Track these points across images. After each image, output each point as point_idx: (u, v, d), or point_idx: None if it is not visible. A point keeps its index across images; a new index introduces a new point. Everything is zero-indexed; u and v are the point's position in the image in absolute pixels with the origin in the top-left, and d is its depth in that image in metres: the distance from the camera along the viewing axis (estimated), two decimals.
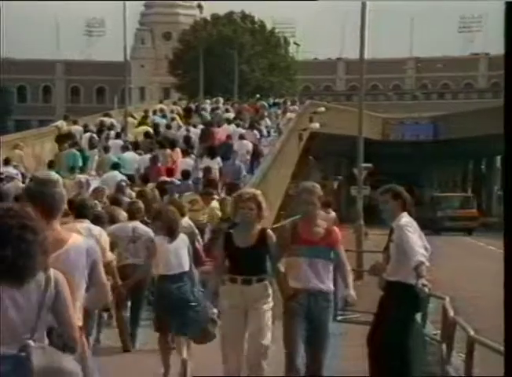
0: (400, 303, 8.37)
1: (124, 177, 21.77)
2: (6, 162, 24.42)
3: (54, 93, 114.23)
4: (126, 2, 39.30)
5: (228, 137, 29.65)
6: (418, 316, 8.83)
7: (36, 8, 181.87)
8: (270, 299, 8.66)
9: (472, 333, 6.33)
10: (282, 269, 8.56)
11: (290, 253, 8.52)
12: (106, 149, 27.10)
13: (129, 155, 25.96)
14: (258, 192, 9.11)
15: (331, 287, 8.60)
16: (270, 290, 8.68)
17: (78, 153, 26.25)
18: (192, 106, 44.17)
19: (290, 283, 8.48)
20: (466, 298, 14.79)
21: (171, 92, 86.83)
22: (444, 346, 7.24)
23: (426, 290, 8.76)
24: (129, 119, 37.38)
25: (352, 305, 9.67)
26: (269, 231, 8.91)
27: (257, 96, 53.88)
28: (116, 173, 22.51)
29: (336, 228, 8.88)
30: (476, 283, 23.60)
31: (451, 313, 7.29)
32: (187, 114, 40.24)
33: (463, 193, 74.35)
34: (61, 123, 34.86)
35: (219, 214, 17.41)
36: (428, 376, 8.09)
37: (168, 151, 25.82)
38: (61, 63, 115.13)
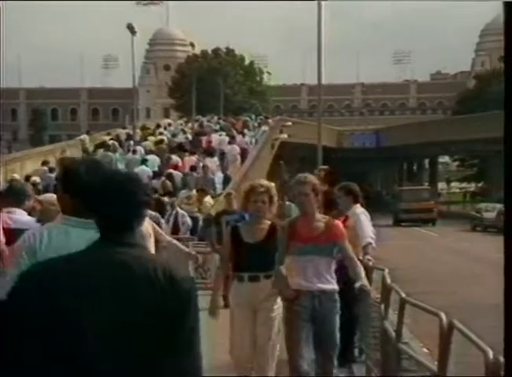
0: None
1: (150, 172, 22.74)
2: (44, 163, 25.13)
3: (79, 114, 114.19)
4: (134, 41, 39.43)
5: (209, 143, 30.55)
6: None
7: (61, 45, 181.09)
8: (279, 298, 6.67)
9: (403, 296, 6.49)
10: (283, 270, 6.44)
11: (288, 252, 6.46)
12: (134, 152, 27.84)
13: (152, 156, 26.38)
14: (272, 184, 6.93)
15: (335, 286, 6.51)
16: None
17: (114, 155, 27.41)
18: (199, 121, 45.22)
19: (291, 285, 6.42)
20: (401, 269, 14.99)
21: (170, 111, 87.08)
22: (382, 306, 7.39)
23: (371, 263, 8.95)
24: (138, 131, 38.05)
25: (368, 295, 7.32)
26: (279, 226, 6.76)
27: (245, 114, 54.82)
28: (144, 167, 23.30)
29: (338, 222, 6.76)
30: (409, 258, 23.88)
31: (388, 281, 7.43)
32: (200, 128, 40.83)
33: (423, 186, 68.27)
34: (84, 137, 35.11)
35: (209, 206, 17.73)
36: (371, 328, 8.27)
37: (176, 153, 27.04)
38: (84, 90, 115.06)
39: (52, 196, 6.82)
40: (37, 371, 2.43)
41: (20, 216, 6.76)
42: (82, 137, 35.67)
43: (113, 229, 2.56)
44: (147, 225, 7.21)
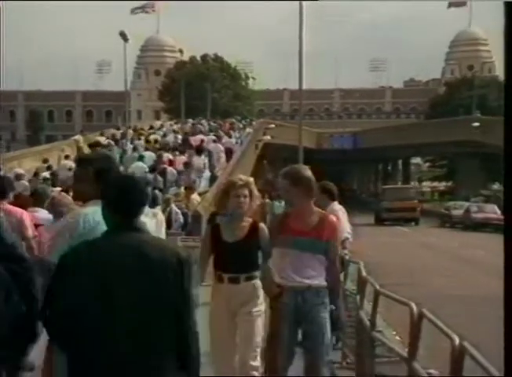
0: None
1: (146, 167, 23.01)
2: (45, 161, 25.21)
3: (74, 115, 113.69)
4: (127, 48, 39.46)
5: (202, 142, 30.60)
6: (342, 276, 9.03)
7: (58, 50, 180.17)
8: (261, 300, 5.85)
9: (377, 287, 6.53)
10: (270, 265, 5.76)
11: (275, 245, 5.70)
12: (134, 149, 28.63)
13: (148, 153, 26.86)
14: (251, 179, 6.08)
15: (323, 282, 5.70)
16: (261, 291, 5.87)
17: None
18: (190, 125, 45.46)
19: (276, 280, 5.71)
20: (375, 263, 15.07)
21: (161, 113, 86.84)
22: (358, 297, 7.43)
23: (347, 257, 9.00)
24: (129, 131, 38.27)
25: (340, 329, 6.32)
26: (262, 224, 5.98)
27: (233, 117, 55.02)
28: (141, 163, 23.58)
29: (332, 217, 5.99)
30: (383, 252, 23.95)
31: (364, 273, 7.47)
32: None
33: (406, 185, 64.47)
34: (78, 137, 35.07)
35: (196, 203, 17.78)
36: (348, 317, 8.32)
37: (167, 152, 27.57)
38: (79, 93, 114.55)
39: (60, 191, 8.87)
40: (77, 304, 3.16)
41: (43, 214, 7.85)
42: (77, 137, 35.63)
43: (127, 217, 3.30)
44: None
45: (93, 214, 3.84)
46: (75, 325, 3.12)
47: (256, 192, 5.94)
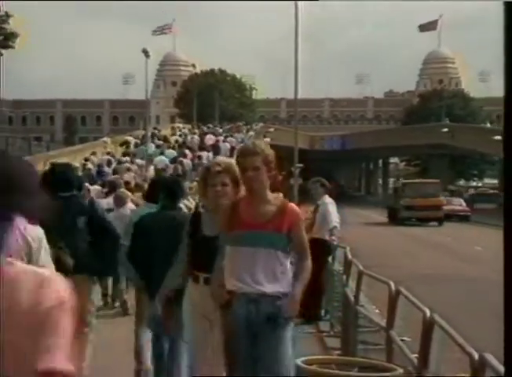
0: (319, 251, 8.36)
1: (167, 160, 24.18)
2: (86, 159, 25.27)
3: (103, 120, 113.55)
4: (148, 63, 39.53)
5: (217, 141, 32.98)
6: (330, 258, 9.03)
7: (90, 65, 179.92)
8: None
9: (361, 268, 6.54)
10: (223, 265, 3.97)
11: (226, 242, 3.96)
12: (157, 147, 29.67)
13: (169, 150, 28.13)
14: (232, 161, 4.30)
15: (285, 288, 3.85)
16: None
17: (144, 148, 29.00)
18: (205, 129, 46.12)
19: (226, 285, 3.90)
20: (361, 247, 15.06)
21: (176, 118, 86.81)
22: (344, 277, 7.43)
23: (335, 243, 9.01)
24: (154, 132, 39.08)
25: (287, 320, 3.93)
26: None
27: (239, 122, 55.41)
28: (164, 157, 24.78)
29: (292, 205, 4.07)
30: (367, 239, 23.93)
31: (349, 256, 7.48)
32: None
33: (430, 179, 43.38)
34: (106, 139, 35.34)
35: None
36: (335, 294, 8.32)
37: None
38: (107, 101, 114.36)
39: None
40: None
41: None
42: (105, 138, 35.99)
43: (170, 201, 5.29)
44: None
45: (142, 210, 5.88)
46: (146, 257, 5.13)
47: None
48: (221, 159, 4.64)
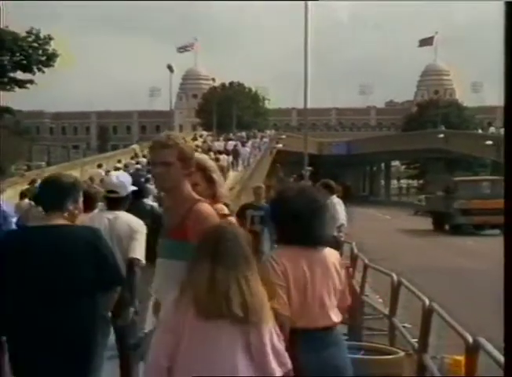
0: (328, 246, 8.26)
1: None
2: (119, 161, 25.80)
3: (132, 129, 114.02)
4: (172, 77, 39.85)
5: (235, 146, 34.23)
6: (338, 253, 8.99)
7: (120, 79, 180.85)
8: None
9: (366, 261, 6.51)
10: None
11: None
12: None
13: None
14: (205, 156, 3.70)
15: None
16: None
17: None
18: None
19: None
20: (365, 243, 14.98)
21: (197, 127, 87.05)
22: (351, 269, 7.42)
23: (342, 238, 8.98)
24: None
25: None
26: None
27: (254, 130, 55.71)
28: None
29: (200, 208, 2.72)
30: (371, 234, 23.83)
31: (355, 251, 7.46)
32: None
33: (490, 176, 32.91)
34: (135, 146, 35.53)
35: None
36: None
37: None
38: (136, 112, 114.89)
39: None
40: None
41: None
42: (134, 146, 36.21)
43: None
44: None
45: None
46: None
47: (217, 175, 3.27)
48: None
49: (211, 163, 3.31)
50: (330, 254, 3.01)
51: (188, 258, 2.53)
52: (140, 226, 4.31)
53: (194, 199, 2.81)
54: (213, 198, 3.16)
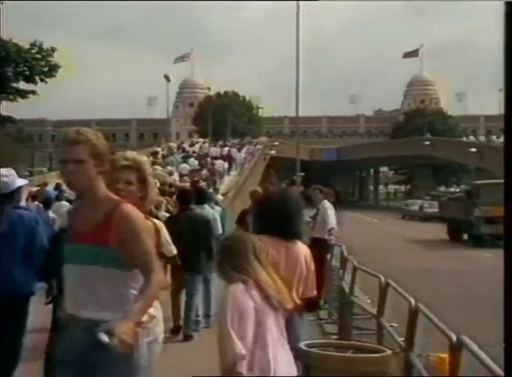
0: (320, 249, 8.03)
1: (189, 167, 25.87)
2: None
3: (130, 136, 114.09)
4: (169, 86, 39.95)
5: (229, 151, 35.19)
6: (329, 256, 9.00)
7: (119, 88, 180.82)
8: (158, 324, 2.67)
9: (355, 263, 6.52)
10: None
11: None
12: (183, 157, 31.42)
13: (191, 160, 29.80)
14: (143, 158, 3.27)
15: (110, 315, 2.37)
16: (158, 312, 2.70)
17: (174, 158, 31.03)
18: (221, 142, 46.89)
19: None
20: (355, 245, 15.00)
21: (193, 134, 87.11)
22: (341, 271, 7.42)
23: (332, 241, 8.98)
24: (172, 145, 39.79)
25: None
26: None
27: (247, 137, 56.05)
28: (186, 165, 26.52)
29: (125, 209, 2.47)
30: (360, 237, 23.83)
31: (345, 253, 7.47)
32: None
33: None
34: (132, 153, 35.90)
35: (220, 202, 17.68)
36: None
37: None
38: (134, 120, 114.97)
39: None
40: None
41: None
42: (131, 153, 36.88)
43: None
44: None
45: None
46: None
47: (151, 179, 3.02)
48: (130, 153, 3.07)
49: (147, 166, 3.05)
50: (303, 248, 3.57)
51: (111, 263, 2.36)
52: None
53: (114, 200, 2.52)
54: (143, 200, 2.89)
